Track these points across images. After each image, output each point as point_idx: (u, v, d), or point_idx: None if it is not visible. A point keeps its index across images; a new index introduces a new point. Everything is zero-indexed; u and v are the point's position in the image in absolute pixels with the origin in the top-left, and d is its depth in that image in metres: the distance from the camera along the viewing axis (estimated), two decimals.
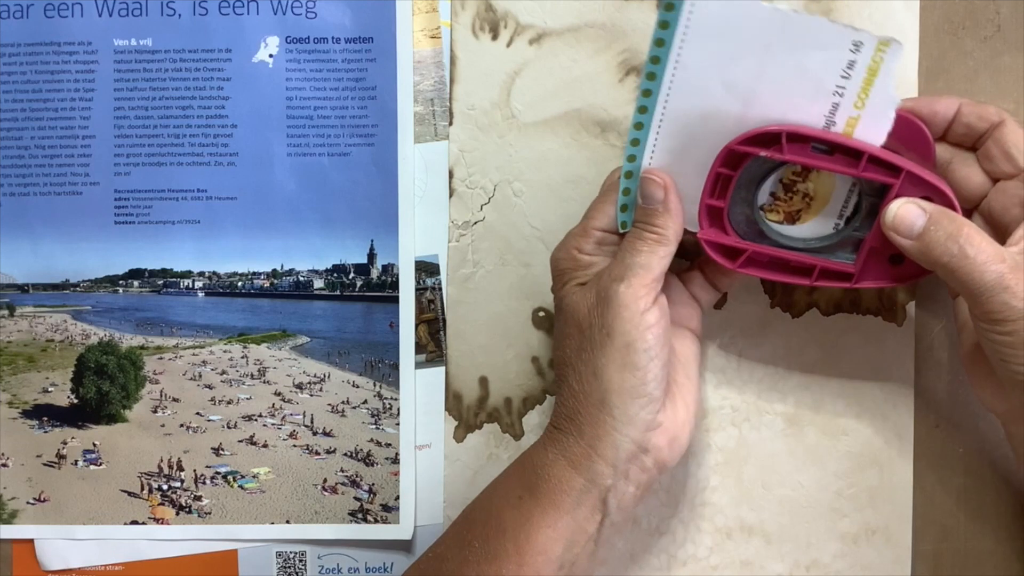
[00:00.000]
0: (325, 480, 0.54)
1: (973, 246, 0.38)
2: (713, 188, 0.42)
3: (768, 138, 0.40)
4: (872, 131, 0.40)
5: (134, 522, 0.54)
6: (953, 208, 0.40)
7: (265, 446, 0.54)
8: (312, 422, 0.54)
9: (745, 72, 0.39)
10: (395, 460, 0.53)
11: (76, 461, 0.54)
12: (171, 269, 0.54)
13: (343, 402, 0.54)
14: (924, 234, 0.39)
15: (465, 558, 0.42)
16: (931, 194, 0.40)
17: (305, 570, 0.54)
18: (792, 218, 0.43)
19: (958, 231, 0.38)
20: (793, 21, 0.38)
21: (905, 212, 0.40)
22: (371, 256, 0.53)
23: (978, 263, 0.38)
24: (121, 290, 0.55)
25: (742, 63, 0.39)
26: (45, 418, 0.54)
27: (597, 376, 0.41)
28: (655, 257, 0.41)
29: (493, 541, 0.42)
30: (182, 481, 0.54)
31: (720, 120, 0.41)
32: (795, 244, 0.43)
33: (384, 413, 0.54)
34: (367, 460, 0.54)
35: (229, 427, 0.54)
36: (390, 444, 0.53)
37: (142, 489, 0.54)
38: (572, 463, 0.42)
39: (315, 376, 0.55)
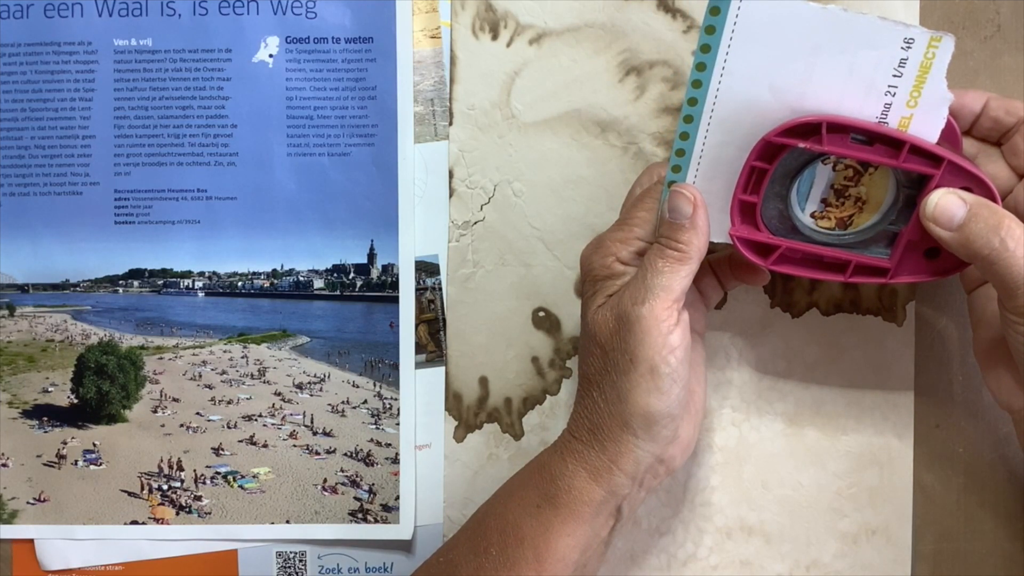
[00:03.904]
0: (325, 480, 0.54)
1: (1014, 239, 0.37)
2: (747, 183, 0.41)
3: (806, 129, 0.39)
4: (925, 130, 0.39)
5: (134, 522, 0.54)
6: (993, 199, 0.39)
7: (265, 446, 0.54)
8: (312, 422, 0.54)
9: (793, 75, 0.39)
10: (395, 460, 0.53)
11: (76, 461, 0.54)
12: (171, 269, 0.54)
13: (343, 402, 0.54)
14: (964, 226, 0.38)
15: (481, 564, 0.42)
16: (971, 185, 0.39)
17: (305, 570, 0.54)
18: (844, 224, 0.42)
19: (999, 223, 0.38)
20: (842, 20, 0.37)
21: (946, 203, 0.39)
22: (371, 256, 0.53)
23: (1018, 256, 0.37)
24: (121, 290, 0.55)
25: (790, 66, 0.38)
26: (45, 418, 0.54)
27: (622, 399, 0.40)
28: (677, 277, 0.40)
29: (512, 549, 0.41)
30: (182, 481, 0.54)
31: (766, 126, 0.40)
32: (829, 239, 0.42)
33: (384, 413, 0.54)
34: (367, 460, 0.54)
35: (229, 427, 0.54)
36: (390, 444, 0.53)
37: (142, 489, 0.54)
38: (593, 476, 0.41)
39: (315, 376, 0.55)
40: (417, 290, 0.53)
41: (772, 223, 0.42)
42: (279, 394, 0.55)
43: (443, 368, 0.53)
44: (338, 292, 0.54)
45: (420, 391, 0.53)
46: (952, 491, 0.52)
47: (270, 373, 0.55)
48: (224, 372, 0.55)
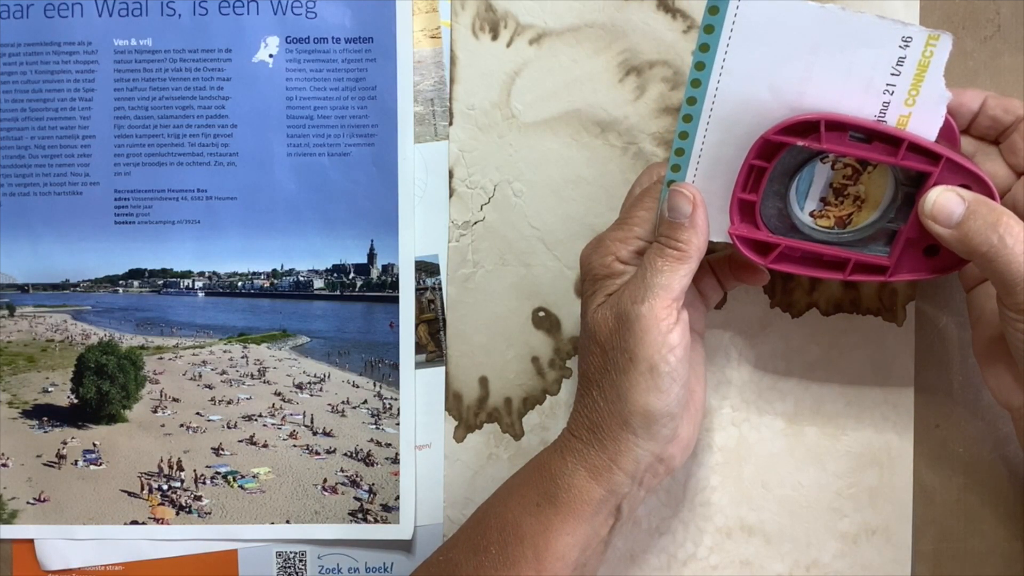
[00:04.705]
0: (325, 480, 0.54)
1: (1012, 236, 0.37)
2: (746, 182, 0.41)
3: (804, 128, 0.40)
4: (923, 128, 0.39)
5: (134, 522, 0.54)
6: (991, 196, 0.39)
7: (265, 446, 0.54)
8: (312, 422, 0.54)
9: (792, 74, 0.39)
10: (395, 460, 0.53)
11: (76, 461, 0.54)
12: (171, 269, 0.54)
13: (343, 402, 0.54)
14: (963, 223, 0.38)
15: (480, 563, 0.42)
16: (970, 182, 0.39)
17: (305, 570, 0.54)
18: (843, 222, 0.42)
19: (997, 220, 0.38)
20: (841, 19, 0.37)
21: (944, 200, 0.39)
22: (371, 256, 0.53)
23: (1017, 253, 0.37)
24: (121, 290, 0.55)
25: (789, 65, 0.38)
26: (45, 418, 0.54)
27: (621, 398, 0.41)
28: (676, 276, 0.40)
29: (511, 548, 0.42)
30: (182, 481, 0.54)
31: (765, 125, 0.40)
32: (828, 237, 0.43)
33: (384, 413, 0.54)
34: (367, 460, 0.54)
35: (229, 427, 0.54)
36: (390, 444, 0.53)
37: (142, 489, 0.54)
38: (592, 474, 0.42)
39: (315, 376, 0.55)
40: (417, 290, 0.53)
41: (771, 222, 0.42)
42: (279, 394, 0.55)
43: (443, 368, 0.53)
44: (338, 292, 0.54)
45: (420, 391, 0.53)
46: (952, 491, 0.52)
47: (270, 373, 0.55)
48: (224, 372, 0.55)
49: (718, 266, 0.47)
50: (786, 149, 0.40)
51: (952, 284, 0.51)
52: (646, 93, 0.51)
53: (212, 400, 0.55)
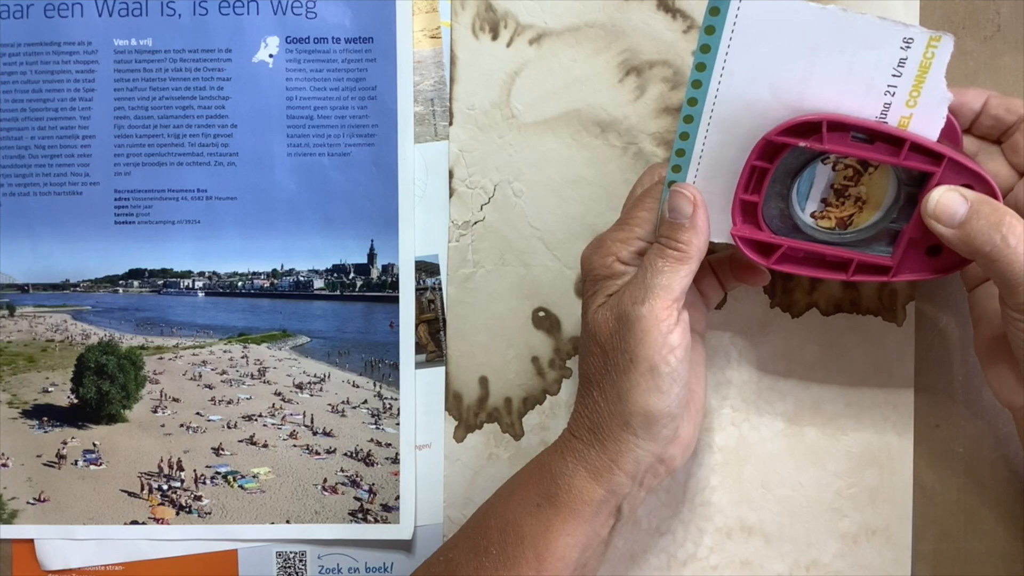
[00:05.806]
0: (325, 480, 0.54)
1: (1015, 235, 0.37)
2: (748, 183, 0.41)
3: (806, 128, 0.40)
4: (925, 129, 0.39)
5: (134, 522, 0.54)
6: (994, 196, 0.39)
7: (265, 446, 0.54)
8: (312, 422, 0.54)
9: (793, 75, 0.39)
10: (395, 460, 0.53)
11: (76, 461, 0.54)
12: (171, 269, 0.54)
13: (343, 402, 0.54)
14: (966, 223, 0.38)
15: (481, 563, 0.42)
16: (972, 182, 0.39)
17: (305, 570, 0.54)
18: (844, 223, 0.42)
19: (1000, 220, 0.38)
20: (842, 20, 0.37)
21: (947, 200, 0.39)
22: (371, 256, 0.53)
23: (1019, 253, 0.37)
24: (121, 290, 0.55)
25: (790, 66, 0.38)
26: (45, 418, 0.54)
27: (622, 399, 0.41)
28: (676, 277, 0.40)
29: (511, 548, 0.42)
30: (182, 481, 0.54)
31: (766, 126, 0.40)
32: (830, 238, 0.43)
33: (384, 413, 0.54)
34: (367, 460, 0.54)
35: (229, 427, 0.54)
36: (390, 444, 0.53)
37: (142, 489, 0.54)
38: (593, 475, 0.42)
39: (315, 376, 0.55)
40: (417, 290, 0.53)
41: (773, 222, 0.42)
42: (279, 394, 0.55)
43: (443, 368, 0.53)
44: (338, 292, 0.54)
45: (420, 391, 0.53)
46: (952, 491, 0.52)
47: (270, 373, 0.55)
48: (224, 372, 0.55)
49: (719, 266, 0.47)
50: (788, 150, 0.40)
51: (952, 284, 0.51)
52: (646, 93, 0.51)
53: (212, 400, 0.55)
